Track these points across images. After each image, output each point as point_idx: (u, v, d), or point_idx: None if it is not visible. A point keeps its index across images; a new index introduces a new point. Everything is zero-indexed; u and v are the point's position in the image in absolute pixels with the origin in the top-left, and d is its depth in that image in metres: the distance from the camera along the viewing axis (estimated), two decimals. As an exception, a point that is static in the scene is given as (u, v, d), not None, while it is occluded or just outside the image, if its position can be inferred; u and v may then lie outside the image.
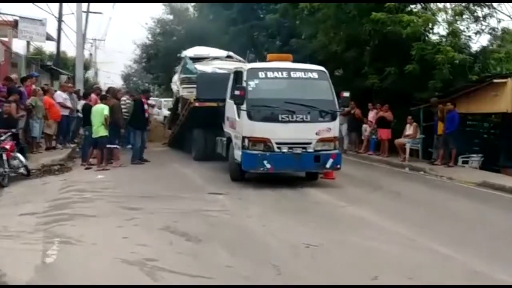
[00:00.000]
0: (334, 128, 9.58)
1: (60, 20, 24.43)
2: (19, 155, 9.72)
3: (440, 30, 15.30)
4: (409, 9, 15.40)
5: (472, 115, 14.90)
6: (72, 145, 14.15)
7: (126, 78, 48.63)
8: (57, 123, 13.28)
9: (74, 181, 9.58)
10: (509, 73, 13.23)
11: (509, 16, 14.53)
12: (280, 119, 9.17)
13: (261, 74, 9.60)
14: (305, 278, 4.79)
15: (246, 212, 7.41)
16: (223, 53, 15.19)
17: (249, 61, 14.50)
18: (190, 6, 32.14)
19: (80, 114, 13.48)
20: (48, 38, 21.74)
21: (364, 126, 15.62)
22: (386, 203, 8.50)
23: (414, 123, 14.10)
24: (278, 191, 8.98)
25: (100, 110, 11.14)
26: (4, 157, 9.07)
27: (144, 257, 5.15)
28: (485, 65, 15.25)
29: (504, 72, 14.23)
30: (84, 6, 24.04)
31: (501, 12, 14.40)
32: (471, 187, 10.39)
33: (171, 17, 32.63)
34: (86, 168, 11.15)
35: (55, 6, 24.84)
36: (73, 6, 22.71)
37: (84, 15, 24.33)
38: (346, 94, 9.97)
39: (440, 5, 14.98)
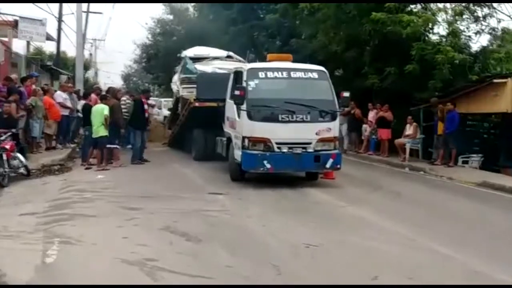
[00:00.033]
0: (334, 128, 9.58)
1: (60, 20, 24.44)
2: (19, 155, 9.72)
3: (440, 30, 15.34)
4: (409, 9, 15.41)
5: (472, 115, 14.90)
6: (72, 145, 14.15)
7: (126, 78, 48.65)
8: (57, 123, 13.28)
9: (74, 181, 9.58)
10: (509, 73, 13.23)
11: (509, 16, 14.55)
12: (280, 119, 9.16)
13: (261, 74, 9.59)
14: (305, 278, 4.79)
15: (246, 212, 7.41)
16: (223, 53, 15.19)
17: (249, 61, 14.50)
18: (190, 6, 32.16)
19: (80, 114, 13.48)
20: (48, 38, 21.74)
21: (364, 126, 15.62)
22: (386, 203, 8.50)
23: (414, 123, 14.09)
24: (278, 191, 8.98)
25: (100, 110, 11.13)
26: (4, 157, 9.07)
27: (144, 257, 5.15)
28: (485, 65, 15.25)
29: (504, 72, 14.22)
30: (84, 6, 24.06)
31: (501, 12, 14.43)
32: (471, 187, 10.38)
33: (171, 17, 32.64)
34: (86, 168, 11.16)
35: (55, 6, 24.89)
36: (73, 6, 22.75)
37: (84, 15, 24.34)
38: (346, 94, 9.96)
39: (440, 5, 14.98)
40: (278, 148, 9.19)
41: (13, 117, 10.49)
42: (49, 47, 27.11)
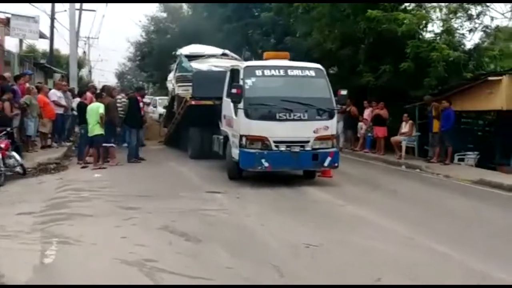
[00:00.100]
0: (331, 126, 9.57)
1: (53, 18, 24.28)
2: (14, 153, 9.66)
3: (435, 28, 15.37)
4: (403, 7, 15.43)
5: (466, 113, 14.96)
6: (68, 144, 14.07)
7: (120, 76, 48.48)
8: (52, 122, 13.19)
9: (71, 180, 9.53)
10: (503, 70, 13.28)
11: (502, 14, 14.62)
12: (277, 117, 9.14)
13: (258, 72, 9.57)
14: (305, 278, 4.78)
15: (244, 211, 7.39)
16: (218, 51, 15.15)
17: (245, 59, 14.48)
18: (184, 4, 32.06)
19: (75, 112, 13.41)
20: (41, 36, 21.58)
21: (360, 124, 15.64)
22: (383, 201, 8.50)
23: (410, 121, 14.12)
24: (276, 189, 8.97)
25: (96, 109, 11.07)
26: (-1, 156, 9.02)
27: (143, 258, 5.13)
28: (479, 62, 15.27)
29: (498, 70, 14.29)
30: (77, 3, 23.87)
31: (494, 10, 14.48)
32: (468, 185, 10.42)
33: (165, 14, 32.56)
34: (83, 167, 11.11)
35: (47, 4, 24.68)
36: (65, 3, 22.59)
37: (77, 12, 24.16)
38: (344, 92, 9.96)
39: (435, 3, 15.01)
40: (276, 146, 9.17)
41: (7, 115, 10.41)
42: (42, 45, 26.99)
